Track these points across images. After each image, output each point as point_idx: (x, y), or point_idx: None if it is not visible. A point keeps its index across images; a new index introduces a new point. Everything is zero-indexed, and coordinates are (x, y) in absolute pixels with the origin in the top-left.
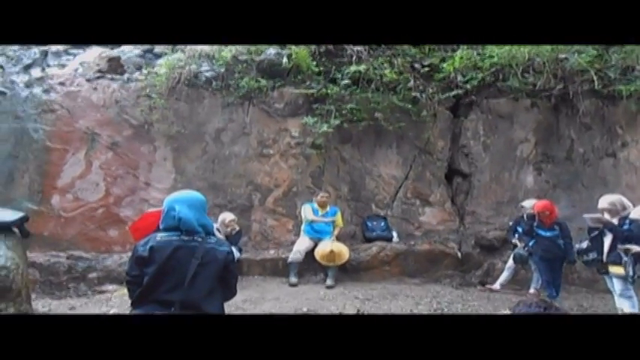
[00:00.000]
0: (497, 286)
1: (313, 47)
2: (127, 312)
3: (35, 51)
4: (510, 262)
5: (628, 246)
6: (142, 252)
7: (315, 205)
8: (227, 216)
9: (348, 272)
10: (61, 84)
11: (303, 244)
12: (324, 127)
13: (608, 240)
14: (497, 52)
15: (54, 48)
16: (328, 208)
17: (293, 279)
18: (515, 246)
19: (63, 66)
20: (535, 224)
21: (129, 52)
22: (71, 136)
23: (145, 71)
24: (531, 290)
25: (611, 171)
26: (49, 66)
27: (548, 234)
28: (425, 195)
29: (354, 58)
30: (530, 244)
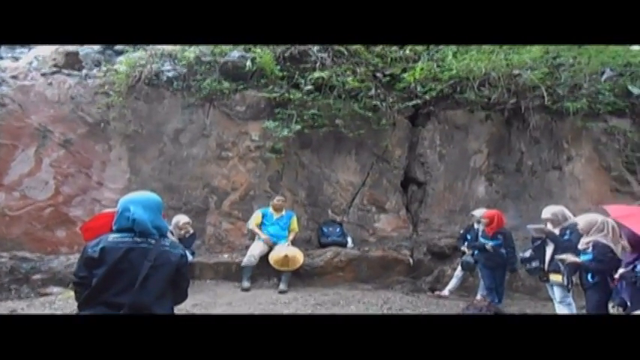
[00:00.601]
0: (446, 292)
1: (278, 51)
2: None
3: None
4: (459, 269)
5: (563, 256)
6: (91, 253)
7: (270, 210)
8: (181, 218)
9: (301, 277)
10: (14, 77)
11: (257, 248)
12: (285, 132)
13: (550, 249)
14: (456, 64)
15: None
16: (284, 212)
17: (246, 283)
18: (464, 253)
19: (17, 59)
20: (480, 233)
21: (88, 47)
22: (22, 131)
23: (103, 68)
24: (478, 296)
25: (557, 183)
26: (1, 58)
27: (490, 243)
28: (381, 202)
29: (317, 64)
30: (476, 252)
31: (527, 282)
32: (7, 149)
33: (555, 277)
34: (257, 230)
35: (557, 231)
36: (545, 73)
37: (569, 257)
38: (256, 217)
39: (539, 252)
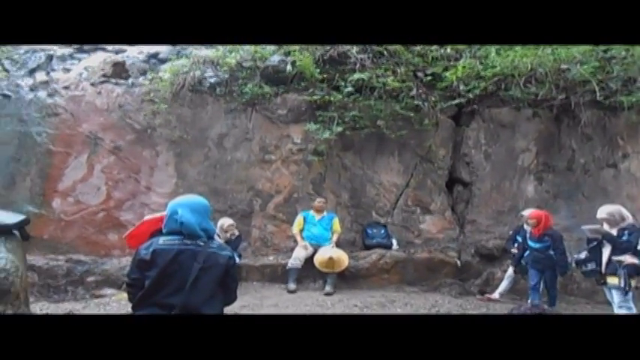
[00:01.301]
0: (496, 295)
1: (317, 54)
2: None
3: (40, 55)
4: (510, 271)
5: (621, 257)
6: (144, 255)
7: (312, 212)
8: (226, 221)
9: (347, 279)
10: (66, 88)
11: (302, 250)
12: (327, 134)
13: (606, 251)
14: (500, 61)
15: (59, 52)
16: (325, 214)
17: (292, 285)
18: (514, 255)
19: (68, 70)
20: (527, 235)
21: (133, 57)
22: (74, 139)
23: (149, 76)
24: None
25: (612, 182)
26: (53, 70)
27: (537, 245)
28: (425, 203)
29: (357, 65)
30: (525, 254)
31: (583, 285)
32: (61, 157)
33: (613, 280)
34: (298, 237)
35: (614, 231)
36: (595, 67)
37: (628, 258)
38: (298, 221)
39: (595, 254)
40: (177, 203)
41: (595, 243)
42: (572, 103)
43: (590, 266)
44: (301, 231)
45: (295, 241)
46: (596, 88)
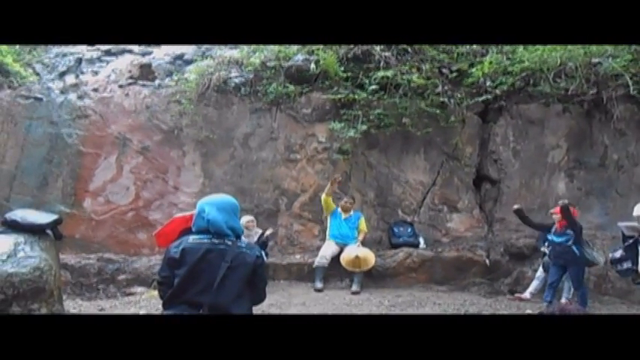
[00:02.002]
0: (527, 294)
1: (341, 53)
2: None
3: (70, 58)
4: (540, 270)
5: None
6: (173, 253)
7: (339, 210)
8: (244, 218)
9: (374, 278)
10: (95, 90)
11: (328, 249)
12: (352, 133)
13: None
14: (528, 56)
15: (87, 55)
16: (352, 213)
17: (319, 284)
18: (545, 254)
19: (96, 73)
20: (552, 230)
21: (159, 58)
22: (103, 140)
23: (175, 77)
24: (563, 299)
25: None
26: (83, 73)
27: (559, 239)
28: (452, 201)
29: (381, 63)
30: (548, 250)
31: (618, 284)
32: (92, 157)
33: None
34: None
35: None
36: (628, 60)
37: None
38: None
39: (631, 252)
40: (205, 202)
41: (631, 241)
42: (604, 98)
43: (626, 265)
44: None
45: (322, 240)
46: (629, 82)
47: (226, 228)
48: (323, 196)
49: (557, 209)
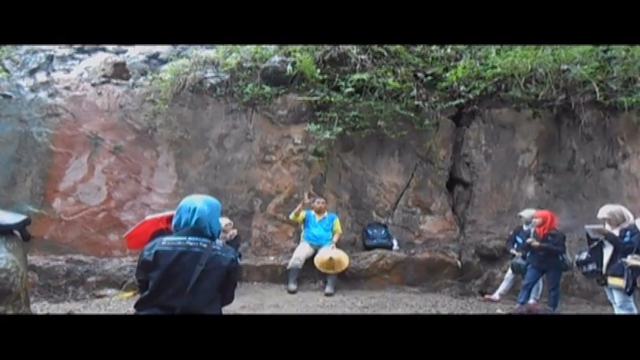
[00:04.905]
0: (496, 296)
1: (317, 55)
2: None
3: (41, 55)
4: (509, 272)
5: (628, 259)
6: (147, 256)
7: (312, 212)
8: (222, 221)
9: (347, 280)
10: (66, 88)
11: (302, 250)
12: (327, 135)
13: (608, 251)
14: (500, 62)
15: (59, 52)
16: (326, 214)
17: (292, 286)
18: (514, 256)
19: (68, 70)
20: (531, 234)
21: (134, 57)
22: (75, 140)
23: (149, 77)
24: (531, 300)
25: (612, 182)
26: (54, 70)
27: (538, 243)
28: (426, 203)
29: (357, 66)
30: (528, 254)
31: (584, 285)
32: (62, 157)
33: (615, 281)
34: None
35: (615, 232)
36: (595, 67)
37: (632, 260)
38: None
39: (596, 254)
40: (193, 198)
41: (596, 243)
42: (573, 104)
43: (591, 267)
44: (302, 220)
45: (296, 242)
46: (597, 89)
47: (208, 225)
48: (292, 216)
49: (539, 214)
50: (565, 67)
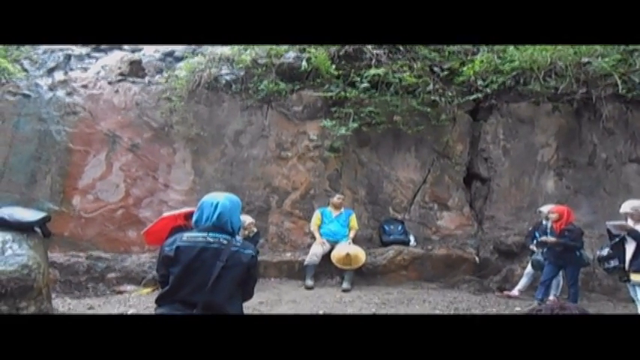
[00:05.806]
0: (515, 292)
1: (332, 51)
2: (145, 312)
3: (59, 54)
4: (529, 268)
5: None
6: (168, 252)
7: (329, 208)
8: (246, 219)
9: (364, 276)
10: (84, 87)
11: (319, 247)
12: (343, 130)
13: (630, 247)
14: (518, 55)
15: (77, 51)
16: (342, 210)
17: (309, 282)
18: (533, 252)
19: (85, 69)
20: (548, 230)
21: (150, 55)
22: (93, 137)
23: (165, 74)
24: (551, 297)
25: (635, 177)
26: (72, 69)
27: (553, 238)
28: (443, 199)
29: (373, 61)
30: (545, 249)
31: (605, 282)
32: (81, 155)
33: (637, 277)
34: (316, 234)
35: (638, 227)
36: (617, 60)
37: None
38: (316, 218)
39: (618, 250)
40: (215, 194)
41: (618, 239)
42: (594, 97)
43: (613, 263)
44: (319, 227)
45: (313, 238)
46: (618, 82)
47: (229, 221)
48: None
49: (555, 209)
50: (586, 60)
